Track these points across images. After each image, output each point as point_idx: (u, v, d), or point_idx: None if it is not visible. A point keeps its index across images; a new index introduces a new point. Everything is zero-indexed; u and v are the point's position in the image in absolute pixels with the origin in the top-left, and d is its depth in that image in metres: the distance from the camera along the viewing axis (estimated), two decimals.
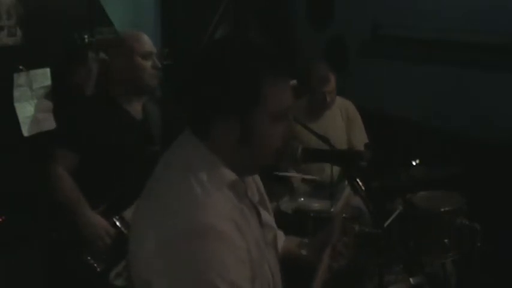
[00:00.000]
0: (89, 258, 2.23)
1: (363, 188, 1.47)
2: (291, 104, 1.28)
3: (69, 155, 2.31)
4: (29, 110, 3.16)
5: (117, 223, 2.27)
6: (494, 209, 2.91)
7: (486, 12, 3.30)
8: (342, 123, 3.35)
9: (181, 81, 1.31)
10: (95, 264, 2.22)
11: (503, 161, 3.12)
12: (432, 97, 3.68)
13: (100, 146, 2.28)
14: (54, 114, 3.23)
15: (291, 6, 4.82)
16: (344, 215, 1.70)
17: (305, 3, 4.74)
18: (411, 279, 2.29)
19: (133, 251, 1.23)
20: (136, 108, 2.44)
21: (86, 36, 3.35)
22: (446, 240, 2.52)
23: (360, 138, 3.30)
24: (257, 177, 1.48)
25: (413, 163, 2.60)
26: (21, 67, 3.10)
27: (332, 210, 2.46)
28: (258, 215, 1.37)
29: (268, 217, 1.43)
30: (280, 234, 1.64)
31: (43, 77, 3.22)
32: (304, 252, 1.63)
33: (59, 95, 3.25)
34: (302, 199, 3.00)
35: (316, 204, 2.92)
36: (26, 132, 3.13)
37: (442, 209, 2.55)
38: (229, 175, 1.25)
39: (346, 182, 1.54)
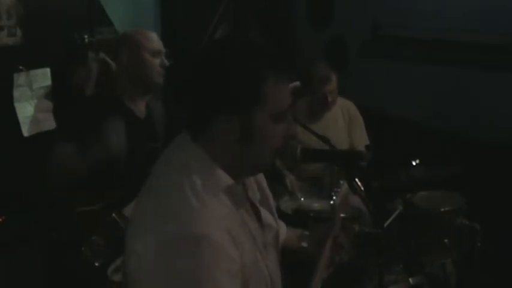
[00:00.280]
0: (87, 253, 2.23)
1: (363, 188, 1.48)
2: (290, 104, 1.28)
3: (68, 148, 2.28)
4: (29, 110, 3.17)
5: (117, 219, 2.27)
6: (494, 209, 2.91)
7: (486, 12, 3.30)
8: (343, 123, 3.34)
9: (181, 81, 1.31)
10: (93, 259, 2.22)
11: (503, 161, 3.12)
12: (432, 97, 3.68)
13: (101, 145, 2.28)
14: (54, 114, 3.23)
15: (291, 6, 4.82)
16: (344, 215, 1.70)
17: (305, 3, 4.74)
18: (411, 279, 2.30)
19: (129, 248, 1.23)
20: (140, 107, 2.43)
21: (86, 36, 3.35)
22: (446, 240, 2.52)
23: (361, 139, 3.30)
24: (259, 174, 1.47)
25: (413, 163, 2.60)
26: (21, 67, 3.11)
27: (332, 203, 2.46)
28: (258, 215, 1.37)
29: (269, 216, 1.44)
30: (283, 226, 1.65)
31: (43, 77, 3.22)
32: (304, 244, 1.64)
33: (59, 95, 3.26)
34: (302, 199, 3.01)
35: (316, 204, 2.92)
36: (26, 132, 3.14)
37: (442, 209, 2.55)
38: (226, 179, 1.25)
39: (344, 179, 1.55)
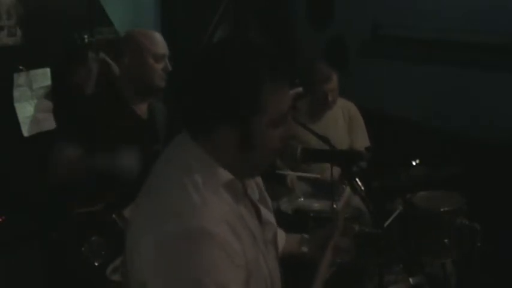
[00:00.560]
0: (87, 253, 2.23)
1: (363, 188, 1.48)
2: (290, 107, 1.27)
3: (68, 148, 2.28)
4: (29, 110, 3.17)
5: (117, 220, 2.27)
6: (494, 209, 2.91)
7: (486, 12, 3.30)
8: (343, 124, 3.34)
9: (181, 82, 1.31)
10: (93, 259, 2.22)
11: (503, 161, 3.12)
12: (432, 97, 3.68)
13: (101, 144, 2.27)
14: (54, 114, 3.23)
15: (291, 6, 4.81)
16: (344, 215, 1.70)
17: (305, 3, 4.74)
18: (411, 279, 2.30)
19: (130, 248, 1.23)
20: (142, 108, 2.42)
21: (86, 36, 3.36)
22: (446, 240, 2.52)
23: (362, 140, 3.30)
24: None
25: (413, 163, 2.60)
26: (21, 67, 3.11)
27: (335, 206, 2.46)
28: (258, 212, 1.38)
29: (268, 214, 1.44)
30: (281, 233, 1.65)
31: (43, 77, 3.22)
32: (305, 249, 1.63)
33: (59, 95, 3.26)
34: (302, 199, 3.01)
35: (316, 204, 2.92)
36: (26, 132, 3.14)
37: (442, 209, 2.55)
38: (225, 175, 1.25)
39: (346, 183, 1.54)
